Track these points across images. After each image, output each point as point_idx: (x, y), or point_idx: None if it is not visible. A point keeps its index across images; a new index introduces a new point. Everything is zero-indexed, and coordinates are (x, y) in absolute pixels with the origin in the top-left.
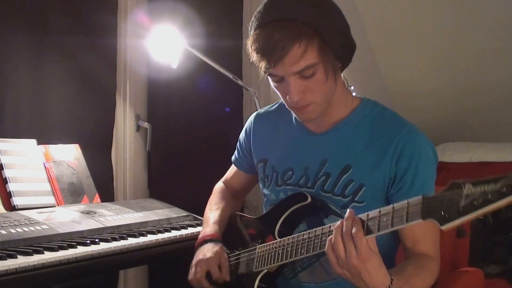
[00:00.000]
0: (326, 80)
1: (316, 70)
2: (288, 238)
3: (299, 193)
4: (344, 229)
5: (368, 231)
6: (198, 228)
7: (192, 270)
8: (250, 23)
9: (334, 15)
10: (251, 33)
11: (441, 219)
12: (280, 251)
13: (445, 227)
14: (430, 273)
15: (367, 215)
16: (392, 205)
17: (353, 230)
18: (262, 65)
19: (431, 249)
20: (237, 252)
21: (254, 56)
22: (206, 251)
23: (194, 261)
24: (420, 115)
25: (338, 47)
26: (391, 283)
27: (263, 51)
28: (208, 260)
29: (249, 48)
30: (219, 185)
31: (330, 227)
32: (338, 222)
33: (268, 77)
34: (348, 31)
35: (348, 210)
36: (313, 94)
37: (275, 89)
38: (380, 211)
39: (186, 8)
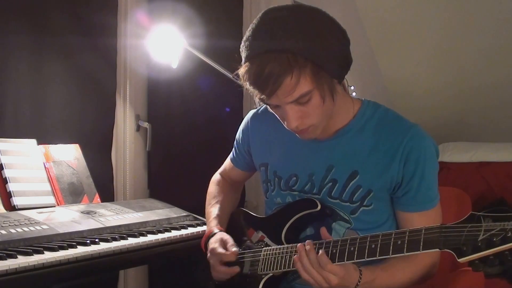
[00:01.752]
0: (323, 103)
1: (312, 96)
2: (296, 246)
3: (309, 199)
4: (311, 262)
5: (381, 252)
6: (198, 228)
7: (211, 268)
8: (240, 47)
9: (327, 35)
10: (242, 62)
11: (458, 251)
12: (287, 258)
13: (462, 260)
14: (419, 265)
15: (380, 234)
16: (407, 229)
17: (321, 262)
18: (257, 96)
19: None
20: (241, 251)
21: (247, 86)
22: (210, 244)
23: (208, 259)
24: (420, 115)
25: (334, 67)
26: (360, 275)
27: (255, 84)
28: (213, 250)
29: (241, 78)
30: (216, 176)
31: (343, 241)
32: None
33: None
34: (344, 47)
35: (306, 243)
36: (311, 118)
37: (272, 111)
38: (394, 233)
39: (186, 8)
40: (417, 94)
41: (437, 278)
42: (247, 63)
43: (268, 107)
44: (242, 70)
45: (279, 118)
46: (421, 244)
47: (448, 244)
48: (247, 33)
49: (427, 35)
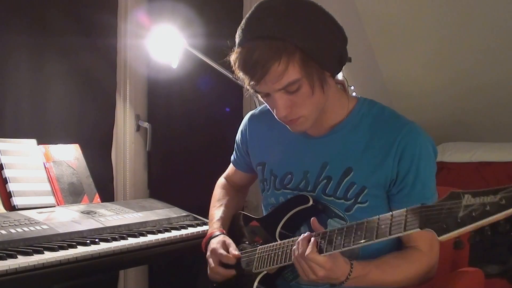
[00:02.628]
0: (312, 93)
1: (301, 85)
2: (288, 241)
3: (301, 195)
4: (299, 252)
5: (366, 237)
6: (198, 228)
7: (208, 267)
8: (236, 36)
9: (319, 26)
10: (234, 48)
11: (439, 229)
12: (280, 253)
13: (443, 237)
14: (414, 264)
15: (365, 221)
16: (391, 212)
17: (307, 253)
18: (246, 82)
19: (423, 243)
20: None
21: (237, 72)
22: (212, 244)
23: (207, 258)
24: (420, 115)
25: (324, 58)
26: (351, 268)
27: (244, 70)
28: (214, 250)
29: (233, 64)
30: (221, 180)
31: (330, 231)
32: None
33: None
34: (337, 40)
35: (302, 235)
36: (301, 108)
37: (264, 101)
38: (378, 218)
39: (186, 8)
40: (417, 94)
41: (436, 278)
42: (238, 49)
43: (259, 95)
44: (233, 57)
45: (269, 108)
46: (403, 225)
47: (429, 223)
48: (242, 22)
49: (427, 35)
